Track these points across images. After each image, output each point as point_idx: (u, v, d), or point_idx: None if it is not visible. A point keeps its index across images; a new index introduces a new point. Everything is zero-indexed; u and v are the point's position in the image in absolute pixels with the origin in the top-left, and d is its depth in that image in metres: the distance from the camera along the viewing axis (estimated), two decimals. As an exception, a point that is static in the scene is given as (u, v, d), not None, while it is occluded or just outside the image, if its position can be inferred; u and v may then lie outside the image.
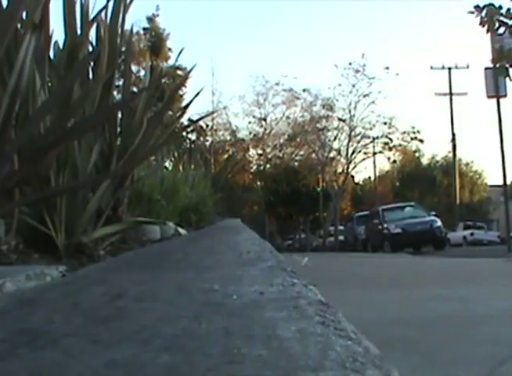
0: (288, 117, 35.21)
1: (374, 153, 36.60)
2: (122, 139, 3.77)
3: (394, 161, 41.32)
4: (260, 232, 3.79)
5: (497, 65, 12.14)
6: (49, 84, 2.91)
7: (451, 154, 44.03)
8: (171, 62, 29.99)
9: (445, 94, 43.89)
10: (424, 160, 51.56)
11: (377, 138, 34.60)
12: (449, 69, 43.76)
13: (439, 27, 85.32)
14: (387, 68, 32.49)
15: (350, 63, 32.86)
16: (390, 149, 35.42)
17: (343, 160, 34.78)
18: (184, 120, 12.30)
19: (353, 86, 33.43)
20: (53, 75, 2.93)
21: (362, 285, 4.87)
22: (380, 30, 79.13)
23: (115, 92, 4.20)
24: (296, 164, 36.39)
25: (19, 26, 2.41)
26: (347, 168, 34.76)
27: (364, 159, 36.12)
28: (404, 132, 34.11)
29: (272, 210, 37.28)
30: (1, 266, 2.05)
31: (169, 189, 6.09)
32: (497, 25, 9.18)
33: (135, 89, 6.26)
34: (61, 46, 3.18)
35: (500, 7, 9.03)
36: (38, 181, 2.73)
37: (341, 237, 35.62)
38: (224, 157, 22.74)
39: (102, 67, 3.31)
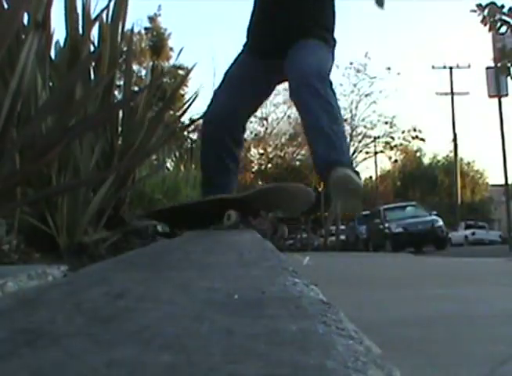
0: (289, 117, 35.24)
1: (375, 153, 36.68)
2: (123, 139, 3.78)
3: (396, 161, 41.41)
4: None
5: (499, 64, 12.13)
6: (51, 83, 2.92)
7: (452, 154, 44.10)
8: (172, 61, 30.03)
9: (446, 93, 43.95)
10: (426, 160, 51.65)
11: (379, 137, 34.61)
12: (451, 68, 43.81)
13: (441, 26, 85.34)
14: (389, 68, 32.53)
15: (351, 63, 32.89)
16: (391, 148, 35.45)
17: (344, 160, 34.71)
18: (185, 119, 12.31)
19: (354, 86, 33.52)
20: (54, 75, 2.94)
21: (363, 285, 4.87)
22: (382, 30, 79.14)
23: (116, 92, 4.21)
24: (297, 163, 36.38)
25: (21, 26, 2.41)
26: (349, 167, 34.67)
27: (365, 158, 36.21)
28: (403, 131, 34.10)
29: (274, 209, 37.17)
30: (3, 266, 2.06)
31: (170, 188, 6.10)
32: (499, 24, 9.18)
33: (136, 89, 6.26)
34: (62, 46, 3.18)
35: (502, 6, 9.04)
36: (40, 181, 2.74)
37: (343, 237, 35.60)
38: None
39: (104, 67, 3.31)
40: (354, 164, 32.48)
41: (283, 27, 3.69)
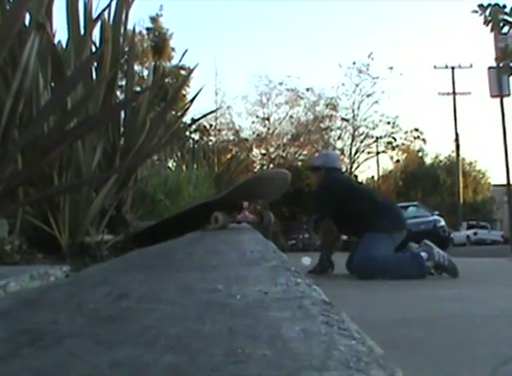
0: (291, 117, 35.22)
1: (377, 153, 36.67)
2: (126, 139, 3.78)
3: (398, 161, 41.35)
4: (263, 232, 3.82)
5: (501, 64, 12.11)
6: (52, 84, 2.92)
7: (454, 154, 44.06)
8: (174, 62, 30.04)
9: (448, 93, 43.93)
10: (428, 160, 51.55)
11: (381, 137, 34.61)
12: (453, 68, 43.78)
13: (443, 27, 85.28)
14: (391, 68, 32.52)
15: (354, 63, 32.90)
16: (393, 148, 35.44)
17: (346, 160, 34.78)
18: (187, 119, 12.31)
19: (356, 86, 33.51)
20: (56, 75, 2.94)
21: (364, 285, 4.86)
22: (384, 30, 79.16)
23: (118, 92, 4.21)
24: (299, 163, 36.33)
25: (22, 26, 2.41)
26: (351, 167, 34.76)
27: (367, 159, 36.19)
28: (406, 132, 34.10)
29: (276, 210, 37.17)
30: (5, 266, 2.06)
31: (172, 189, 6.10)
32: (501, 24, 9.16)
33: (138, 89, 6.27)
34: (64, 46, 3.18)
35: (504, 6, 9.01)
36: (42, 181, 2.74)
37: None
38: (227, 157, 22.68)
39: (106, 67, 3.31)
40: (356, 165, 32.22)
41: None
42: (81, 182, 2.97)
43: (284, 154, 35.91)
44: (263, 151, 36.11)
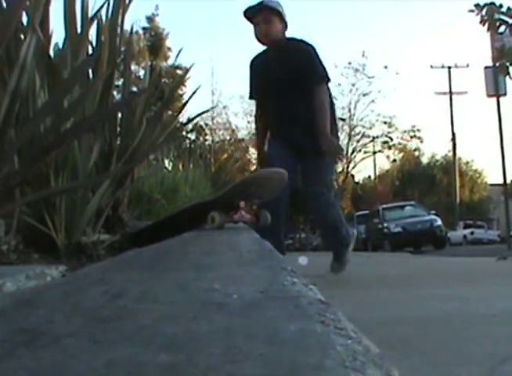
0: (288, 117, 35.18)
1: (374, 153, 36.70)
2: (122, 139, 3.78)
3: (394, 160, 41.45)
4: (260, 232, 3.83)
5: (497, 64, 12.13)
6: (49, 84, 2.91)
7: (451, 153, 44.17)
8: (170, 61, 30.04)
9: (444, 93, 44.03)
10: (424, 159, 51.68)
11: (377, 137, 34.66)
12: (449, 68, 43.90)
13: (439, 26, 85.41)
14: (386, 67, 32.63)
15: (349, 63, 32.94)
16: (390, 148, 35.50)
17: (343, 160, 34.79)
18: (184, 119, 12.31)
19: (353, 85, 33.55)
20: (53, 76, 2.93)
21: (361, 284, 4.87)
22: (380, 29, 79.18)
23: (115, 92, 4.20)
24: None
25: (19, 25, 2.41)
26: (347, 167, 34.80)
27: (364, 158, 36.23)
28: (404, 131, 34.18)
29: (272, 209, 37.08)
30: (1, 266, 2.06)
31: (169, 188, 6.10)
32: (497, 24, 9.18)
33: (134, 89, 6.26)
34: (61, 46, 3.18)
35: (501, 5, 9.03)
36: (38, 181, 2.73)
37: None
38: (223, 157, 22.68)
39: (103, 67, 3.31)
40: (353, 164, 32.33)
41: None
42: (77, 184, 2.97)
43: (281, 154, 35.86)
44: (259, 151, 36.10)
